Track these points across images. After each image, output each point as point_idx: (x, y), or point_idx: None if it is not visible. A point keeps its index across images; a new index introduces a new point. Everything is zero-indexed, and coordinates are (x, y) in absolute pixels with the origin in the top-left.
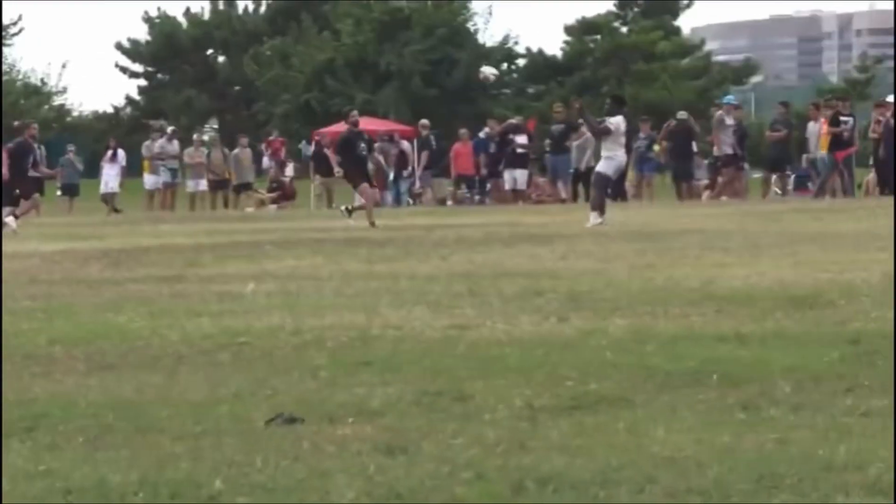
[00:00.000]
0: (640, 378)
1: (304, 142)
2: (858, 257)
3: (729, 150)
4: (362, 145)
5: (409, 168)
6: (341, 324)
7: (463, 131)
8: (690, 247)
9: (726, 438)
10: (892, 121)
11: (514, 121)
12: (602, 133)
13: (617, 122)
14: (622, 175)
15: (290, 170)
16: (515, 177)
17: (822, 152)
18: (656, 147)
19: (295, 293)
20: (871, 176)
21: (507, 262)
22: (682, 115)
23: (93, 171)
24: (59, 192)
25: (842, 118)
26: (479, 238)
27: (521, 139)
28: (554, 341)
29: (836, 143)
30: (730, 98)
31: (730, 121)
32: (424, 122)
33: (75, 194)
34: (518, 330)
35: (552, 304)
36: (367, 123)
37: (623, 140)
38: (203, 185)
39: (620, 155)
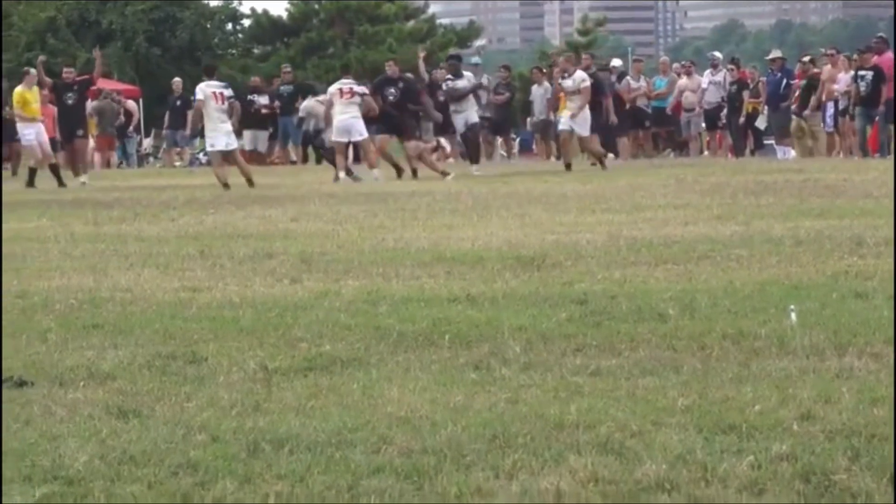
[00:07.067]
0: (374, 339)
1: None
2: (584, 219)
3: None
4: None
5: (131, 128)
6: (69, 286)
7: None
8: (420, 209)
9: (459, 398)
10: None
11: (256, 80)
12: None
13: None
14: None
15: None
16: (257, 137)
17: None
18: None
19: (20, 255)
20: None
21: (239, 224)
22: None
23: None
24: None
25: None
26: (209, 199)
27: (263, 100)
28: (287, 303)
29: None
30: (476, 59)
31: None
32: (177, 80)
33: None
34: (250, 292)
35: (284, 266)
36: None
37: None
38: None
39: None
